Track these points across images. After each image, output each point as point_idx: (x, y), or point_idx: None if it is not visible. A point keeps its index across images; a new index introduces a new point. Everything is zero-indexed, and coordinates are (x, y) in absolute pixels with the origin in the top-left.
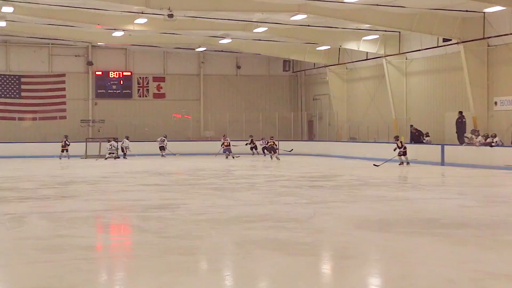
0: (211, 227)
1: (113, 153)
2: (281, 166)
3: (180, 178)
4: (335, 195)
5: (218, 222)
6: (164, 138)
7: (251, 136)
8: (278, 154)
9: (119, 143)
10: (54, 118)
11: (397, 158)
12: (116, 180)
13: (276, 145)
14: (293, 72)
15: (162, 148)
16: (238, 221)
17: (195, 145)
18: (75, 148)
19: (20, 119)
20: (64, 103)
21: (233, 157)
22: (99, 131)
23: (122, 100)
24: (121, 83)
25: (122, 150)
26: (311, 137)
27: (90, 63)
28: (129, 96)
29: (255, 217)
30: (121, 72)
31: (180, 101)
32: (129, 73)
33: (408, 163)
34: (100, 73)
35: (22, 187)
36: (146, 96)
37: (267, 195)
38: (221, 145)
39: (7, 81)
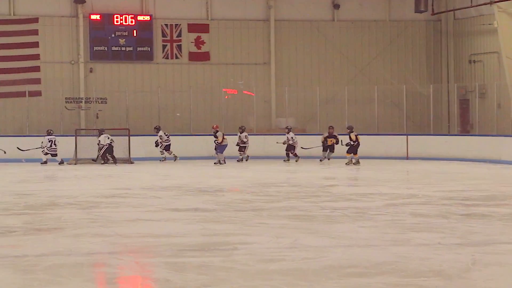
0: (291, 284)
1: (55, 154)
2: (411, 180)
3: (237, 199)
4: (511, 230)
5: (304, 275)
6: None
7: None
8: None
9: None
10: (19, 94)
11: None
12: (126, 202)
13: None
14: (433, 14)
15: (167, 148)
16: (338, 273)
17: (262, 142)
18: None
19: None
20: (36, 68)
21: (220, 162)
22: (97, 117)
23: (136, 64)
24: (134, 34)
25: (109, 151)
26: (465, 129)
27: (80, 1)
28: (147, 57)
29: (367, 267)
30: (134, 17)
31: (237, 67)
32: (148, 18)
33: None
34: (97, 17)
35: None
36: (177, 58)
37: (388, 230)
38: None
39: None
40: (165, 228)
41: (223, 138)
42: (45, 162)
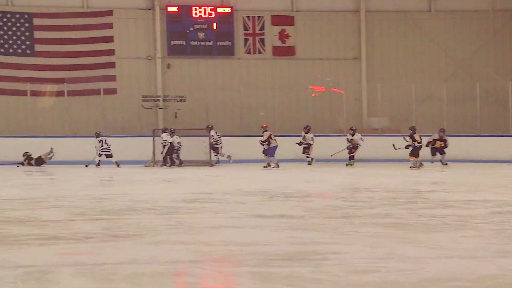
0: None
1: (109, 154)
2: None
3: (327, 205)
4: None
5: (401, 287)
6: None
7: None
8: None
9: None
10: (94, 92)
11: None
12: (208, 207)
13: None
14: None
15: (215, 149)
16: (438, 286)
17: None
18: (133, 147)
19: (35, 93)
20: (111, 64)
21: (270, 165)
22: (176, 117)
23: (216, 60)
24: (214, 28)
25: (171, 152)
26: None
27: None
28: (228, 52)
29: (470, 280)
30: (213, 8)
31: (324, 62)
32: (229, 10)
33: None
34: (175, 9)
35: (42, 217)
36: (260, 52)
37: (493, 240)
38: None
39: (11, 24)
40: (250, 236)
41: (270, 138)
42: (98, 164)
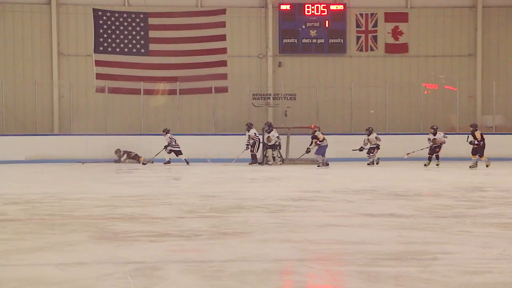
0: None
1: (179, 151)
2: None
3: (437, 204)
4: None
5: None
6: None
7: None
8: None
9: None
10: (205, 91)
11: None
12: (316, 206)
13: None
14: None
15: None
16: None
17: (466, 142)
18: (242, 146)
19: (148, 92)
20: (223, 63)
21: (324, 164)
22: (286, 115)
23: (327, 58)
24: (326, 25)
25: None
26: None
27: None
28: (340, 49)
29: None
30: (326, 6)
31: (438, 59)
32: (341, 7)
33: None
34: (287, 7)
35: (152, 214)
36: (372, 50)
37: None
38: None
39: (127, 24)
40: (358, 235)
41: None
42: (169, 162)
